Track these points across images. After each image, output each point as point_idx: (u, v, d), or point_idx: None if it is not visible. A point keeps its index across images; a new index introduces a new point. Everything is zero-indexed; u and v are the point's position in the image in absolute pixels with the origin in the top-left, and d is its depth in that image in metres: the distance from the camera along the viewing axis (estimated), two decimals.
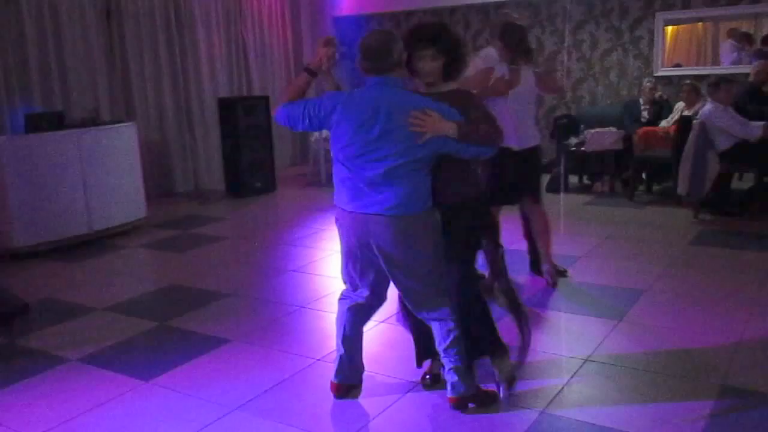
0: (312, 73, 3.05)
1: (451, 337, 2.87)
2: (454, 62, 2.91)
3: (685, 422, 2.79)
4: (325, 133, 8.91)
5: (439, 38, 2.86)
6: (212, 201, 8.08)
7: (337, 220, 2.95)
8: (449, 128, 2.70)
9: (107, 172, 6.29)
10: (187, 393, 3.23)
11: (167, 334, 4.01)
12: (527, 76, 4.24)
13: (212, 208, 7.72)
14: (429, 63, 2.86)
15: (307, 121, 2.91)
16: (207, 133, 8.86)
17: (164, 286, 4.97)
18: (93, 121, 6.56)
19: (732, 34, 8.49)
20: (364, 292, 3.02)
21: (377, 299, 3.07)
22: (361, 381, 3.18)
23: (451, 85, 2.96)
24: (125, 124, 6.73)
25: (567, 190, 7.53)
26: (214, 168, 8.89)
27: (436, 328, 2.90)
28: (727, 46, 8.47)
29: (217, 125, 8.38)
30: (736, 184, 6.86)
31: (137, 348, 3.84)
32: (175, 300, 4.64)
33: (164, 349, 3.78)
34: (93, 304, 4.57)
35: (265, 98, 8.52)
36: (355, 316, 3.07)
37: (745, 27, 8.53)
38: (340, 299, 3.13)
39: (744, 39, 8.43)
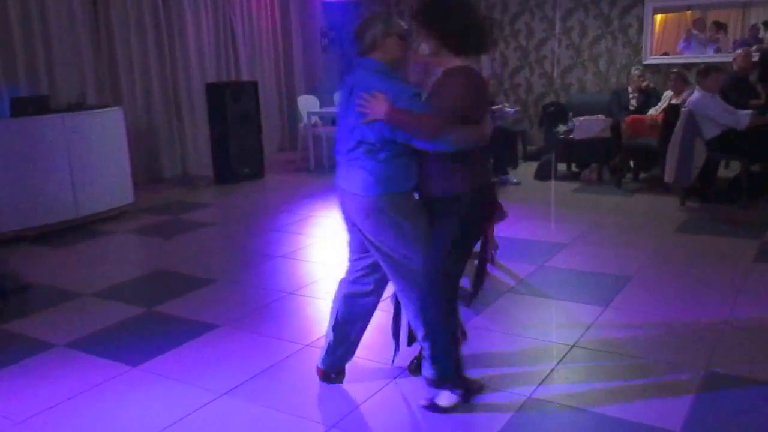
0: None
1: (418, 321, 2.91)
2: (448, 37, 2.72)
3: (670, 406, 2.82)
4: (314, 119, 8.89)
5: (421, 15, 2.76)
6: (200, 187, 8.04)
7: None
8: (381, 112, 2.62)
9: (94, 157, 6.24)
10: (174, 378, 3.23)
11: (155, 319, 4.00)
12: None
13: (200, 193, 7.68)
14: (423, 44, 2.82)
15: None
16: (195, 118, 8.81)
17: (151, 272, 4.95)
18: (79, 105, 6.49)
19: (697, 24, 8.53)
20: (355, 273, 3.04)
21: (374, 285, 3.03)
22: (344, 367, 3.18)
23: (456, 62, 2.74)
24: (112, 108, 6.66)
25: (555, 177, 7.56)
26: (201, 153, 8.84)
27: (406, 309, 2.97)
28: (697, 36, 8.52)
29: (205, 110, 8.32)
30: (722, 172, 6.91)
31: (124, 333, 3.82)
32: (163, 285, 4.63)
33: (151, 334, 3.77)
34: (80, 290, 4.54)
35: (254, 83, 8.46)
36: (348, 305, 3.07)
37: (733, 16, 8.57)
38: (339, 283, 3.14)
39: (719, 28, 8.47)
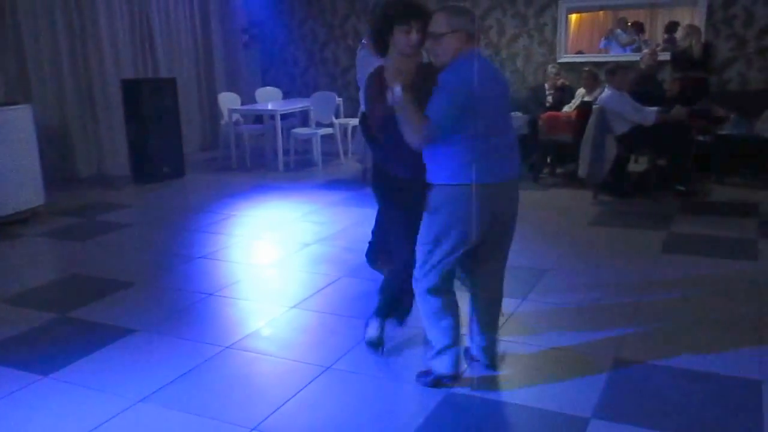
0: None
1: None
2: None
3: (582, 392, 2.94)
4: (235, 116, 8.75)
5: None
6: (117, 187, 7.79)
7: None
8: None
9: (0, 156, 5.95)
10: (88, 386, 3.13)
11: (68, 325, 3.86)
12: None
13: (117, 194, 7.45)
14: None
15: None
16: (110, 116, 8.50)
17: (65, 276, 4.77)
18: None
19: (620, 24, 8.90)
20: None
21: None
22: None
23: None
24: (20, 106, 6.36)
25: None
26: (118, 152, 8.55)
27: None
28: (619, 35, 8.87)
29: (121, 108, 8.06)
30: (632, 166, 7.21)
31: (35, 341, 3.67)
32: (77, 290, 4.47)
33: (64, 341, 3.63)
34: None
35: (172, 80, 8.25)
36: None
37: (642, 17, 8.96)
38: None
39: (636, 27, 8.85)
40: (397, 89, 2.61)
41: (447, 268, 2.89)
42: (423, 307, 2.98)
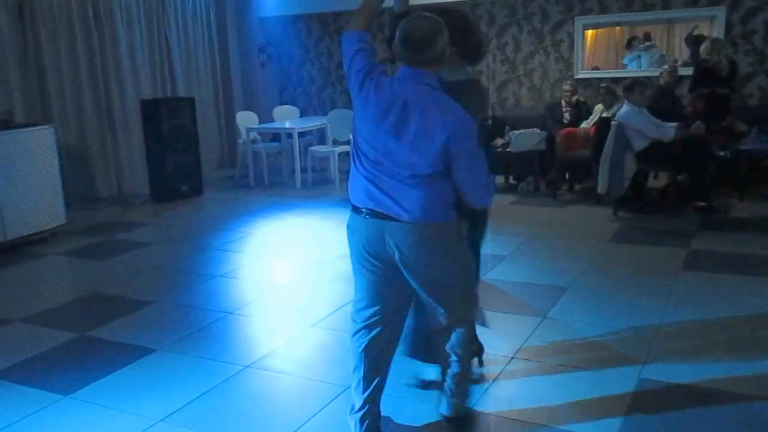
0: None
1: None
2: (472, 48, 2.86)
3: (606, 414, 2.90)
4: (252, 135, 8.81)
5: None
6: (136, 206, 7.86)
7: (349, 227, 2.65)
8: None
9: (22, 177, 6.03)
10: (109, 406, 3.13)
11: (88, 345, 3.88)
12: None
13: (136, 213, 7.51)
14: None
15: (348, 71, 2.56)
16: (130, 135, 8.61)
17: (85, 295, 4.80)
18: (5, 124, 6.27)
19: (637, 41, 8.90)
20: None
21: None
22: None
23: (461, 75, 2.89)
24: (42, 127, 6.45)
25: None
26: (137, 172, 8.65)
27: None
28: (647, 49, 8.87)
29: (140, 127, 8.15)
30: (651, 182, 7.16)
31: (56, 361, 3.69)
32: (97, 309, 4.49)
33: (85, 361, 3.65)
34: (8, 316, 4.37)
35: (191, 100, 8.34)
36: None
37: (659, 32, 8.93)
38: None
39: (645, 38, 8.86)
40: None
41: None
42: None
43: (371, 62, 2.52)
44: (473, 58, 2.96)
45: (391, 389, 2.91)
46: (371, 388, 2.70)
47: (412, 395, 3.13)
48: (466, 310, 2.71)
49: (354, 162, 2.56)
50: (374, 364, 2.69)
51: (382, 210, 2.46)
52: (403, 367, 3.14)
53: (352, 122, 2.59)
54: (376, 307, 2.66)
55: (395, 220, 2.44)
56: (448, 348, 2.72)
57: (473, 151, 2.41)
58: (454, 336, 2.69)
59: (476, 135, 2.44)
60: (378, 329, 2.67)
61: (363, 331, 2.69)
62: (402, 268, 2.53)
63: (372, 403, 2.72)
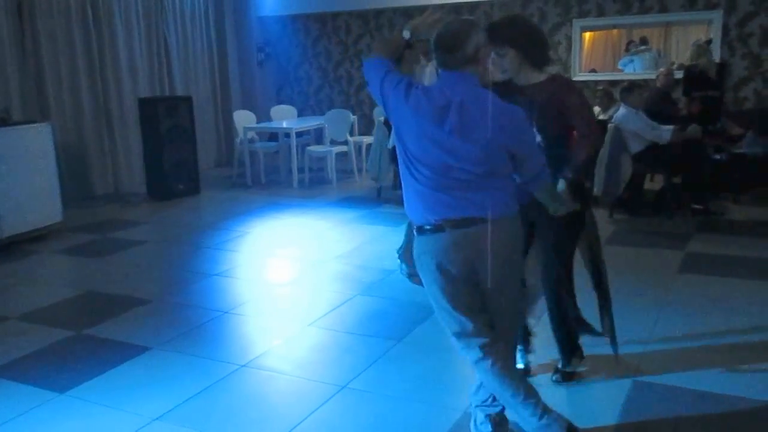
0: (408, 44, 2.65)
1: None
2: (531, 51, 2.88)
3: (601, 418, 2.91)
4: (250, 134, 8.82)
5: (497, 32, 2.81)
6: (133, 204, 7.85)
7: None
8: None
9: (19, 174, 6.02)
10: (104, 404, 3.13)
11: (84, 343, 3.88)
12: None
13: (133, 211, 7.50)
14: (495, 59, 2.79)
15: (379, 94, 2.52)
16: (127, 134, 8.60)
17: (81, 293, 4.80)
18: (3, 121, 6.26)
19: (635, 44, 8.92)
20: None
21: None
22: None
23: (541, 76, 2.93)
24: (39, 124, 6.45)
25: None
26: (134, 170, 8.64)
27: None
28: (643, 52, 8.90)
29: (138, 126, 8.15)
30: (647, 185, 7.17)
31: (52, 358, 3.68)
32: (93, 307, 4.49)
33: (81, 359, 3.65)
34: (4, 313, 4.36)
35: (188, 98, 8.34)
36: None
37: (656, 35, 8.95)
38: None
39: (642, 42, 8.88)
40: None
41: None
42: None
43: (408, 77, 2.50)
44: (539, 61, 2.95)
45: None
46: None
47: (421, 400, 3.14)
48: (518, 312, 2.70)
49: (413, 178, 2.45)
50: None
51: (466, 215, 2.39)
52: None
53: (395, 138, 2.53)
54: (480, 324, 2.53)
55: (480, 221, 2.39)
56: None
57: (531, 143, 2.49)
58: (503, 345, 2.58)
59: (530, 127, 2.53)
60: (494, 344, 2.53)
61: (484, 351, 2.52)
62: (477, 272, 2.46)
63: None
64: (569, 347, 3.25)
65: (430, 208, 2.42)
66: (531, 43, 2.91)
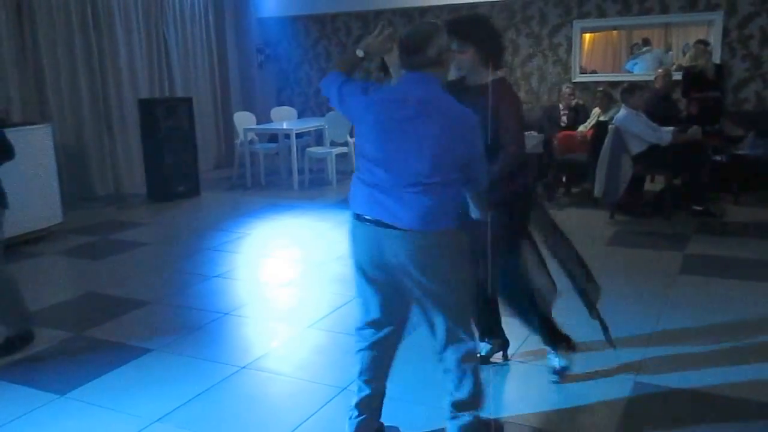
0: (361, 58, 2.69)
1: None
2: (490, 52, 2.88)
3: (601, 419, 2.90)
4: (250, 135, 8.81)
5: (461, 29, 2.83)
6: (133, 205, 7.85)
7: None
8: None
9: (19, 175, 5.98)
10: (104, 406, 3.12)
11: (84, 344, 3.87)
12: None
13: (133, 212, 7.50)
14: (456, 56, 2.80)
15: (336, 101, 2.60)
16: (127, 135, 8.60)
17: (81, 295, 4.79)
18: (2, 122, 6.24)
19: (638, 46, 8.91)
20: None
21: None
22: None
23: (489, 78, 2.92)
24: (39, 125, 6.44)
25: None
26: (134, 171, 8.64)
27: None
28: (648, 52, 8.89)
29: (138, 127, 8.14)
30: (648, 186, 7.17)
31: (51, 360, 3.68)
32: (93, 309, 4.48)
33: (80, 360, 3.64)
34: None
35: (188, 100, 8.34)
36: None
37: (656, 35, 8.95)
38: None
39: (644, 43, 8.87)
40: None
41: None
42: None
43: (366, 81, 2.58)
44: (495, 63, 2.95)
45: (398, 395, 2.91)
46: (375, 394, 2.71)
47: (418, 401, 3.13)
48: (459, 326, 2.56)
49: (363, 177, 2.52)
50: (379, 372, 2.69)
51: (382, 218, 2.43)
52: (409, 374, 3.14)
53: (354, 129, 2.59)
54: (383, 318, 2.62)
55: (394, 227, 2.42)
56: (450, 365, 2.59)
57: (479, 148, 2.45)
58: (451, 354, 2.56)
59: (482, 139, 2.47)
60: (385, 339, 2.65)
61: (372, 342, 2.66)
62: (402, 277, 2.49)
63: (374, 409, 2.73)
64: (550, 337, 3.25)
65: (364, 200, 2.48)
66: (492, 44, 2.92)
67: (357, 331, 2.71)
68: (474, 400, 2.60)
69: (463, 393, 2.58)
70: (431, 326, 2.57)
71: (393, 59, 2.72)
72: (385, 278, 2.54)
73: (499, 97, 2.87)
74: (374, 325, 2.64)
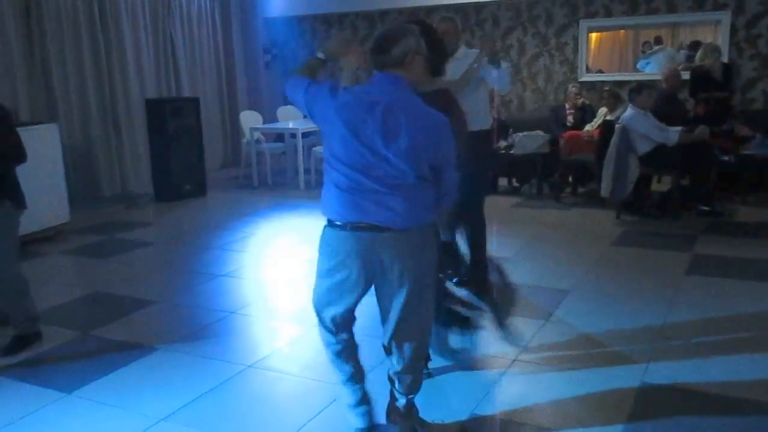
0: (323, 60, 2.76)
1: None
2: (437, 59, 2.81)
3: (608, 417, 2.89)
4: (257, 135, 8.83)
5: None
6: (140, 205, 7.87)
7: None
8: None
9: (26, 175, 5.98)
10: (110, 404, 3.14)
11: (90, 343, 3.88)
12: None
13: (140, 212, 7.52)
14: None
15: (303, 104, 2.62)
16: (134, 135, 8.63)
17: (88, 294, 4.81)
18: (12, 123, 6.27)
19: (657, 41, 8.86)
20: None
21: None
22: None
23: (438, 84, 2.94)
24: (46, 125, 6.47)
25: (496, 192, 7.69)
26: (141, 171, 8.67)
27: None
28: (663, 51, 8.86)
29: (145, 127, 8.17)
30: (655, 186, 7.15)
31: (58, 359, 3.69)
32: (99, 308, 4.50)
33: (87, 359, 3.66)
34: None
35: (195, 99, 8.36)
36: None
37: (663, 35, 8.92)
38: None
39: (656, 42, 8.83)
40: None
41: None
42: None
43: (333, 82, 2.58)
44: (436, 70, 2.84)
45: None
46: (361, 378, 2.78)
47: None
48: (424, 323, 2.65)
49: (333, 179, 2.50)
50: (354, 360, 2.77)
51: (370, 220, 2.42)
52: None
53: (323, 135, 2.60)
54: (348, 323, 2.71)
55: (385, 229, 2.42)
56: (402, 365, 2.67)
57: (450, 158, 2.45)
58: (408, 349, 2.62)
59: (454, 142, 2.47)
60: (349, 332, 2.75)
61: (339, 338, 2.73)
62: (380, 277, 2.50)
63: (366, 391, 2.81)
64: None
65: (342, 206, 2.47)
66: (434, 50, 2.79)
67: (326, 344, 2.75)
68: (414, 385, 2.74)
69: (401, 365, 2.67)
70: (386, 317, 2.60)
71: (349, 62, 2.75)
72: (364, 285, 2.54)
73: (442, 107, 2.74)
74: (341, 330, 2.70)
